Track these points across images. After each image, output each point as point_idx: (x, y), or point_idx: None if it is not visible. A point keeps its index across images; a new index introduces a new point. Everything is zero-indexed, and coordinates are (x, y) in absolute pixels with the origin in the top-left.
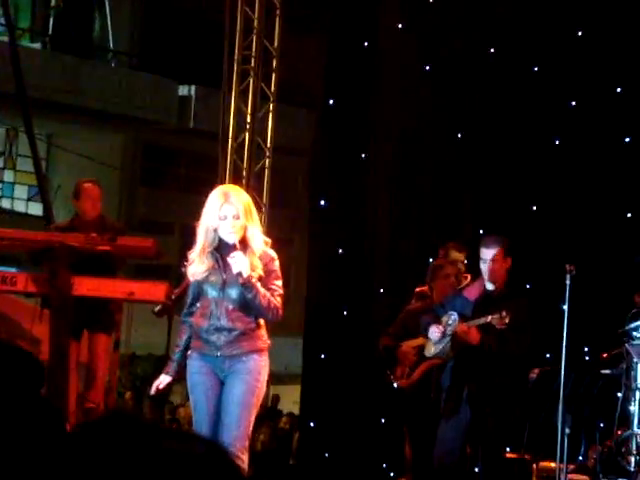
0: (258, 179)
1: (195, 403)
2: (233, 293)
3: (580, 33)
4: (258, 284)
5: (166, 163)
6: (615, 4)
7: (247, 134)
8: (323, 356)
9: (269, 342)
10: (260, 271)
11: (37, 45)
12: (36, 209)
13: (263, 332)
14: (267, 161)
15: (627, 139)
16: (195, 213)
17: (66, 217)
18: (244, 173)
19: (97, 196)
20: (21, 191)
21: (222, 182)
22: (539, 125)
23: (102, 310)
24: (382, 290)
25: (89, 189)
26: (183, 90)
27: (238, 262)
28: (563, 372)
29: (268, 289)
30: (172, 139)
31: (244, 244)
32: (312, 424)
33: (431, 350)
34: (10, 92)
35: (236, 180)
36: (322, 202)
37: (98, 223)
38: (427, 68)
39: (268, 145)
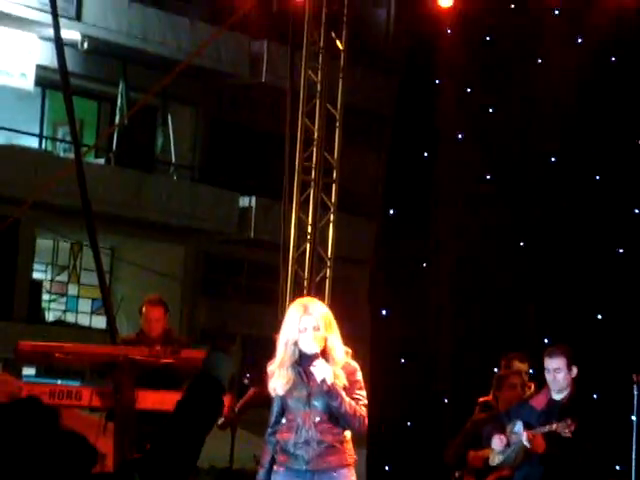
0: (319, 289)
1: None
2: (319, 405)
3: None
4: (343, 392)
5: (227, 273)
6: None
7: (308, 244)
8: (387, 468)
9: (356, 457)
10: (344, 380)
11: (101, 161)
12: (100, 322)
13: (350, 446)
14: (328, 271)
15: None
16: (257, 323)
17: (129, 329)
18: (305, 283)
19: (155, 318)
20: (85, 305)
21: (283, 292)
22: (603, 234)
23: None
24: (446, 400)
25: (148, 311)
26: (244, 201)
27: (321, 369)
28: None
29: (352, 399)
30: (233, 250)
31: (325, 355)
32: None
33: (495, 460)
34: (75, 207)
35: (297, 290)
36: (384, 312)
37: (163, 337)
38: (488, 177)
39: (329, 255)
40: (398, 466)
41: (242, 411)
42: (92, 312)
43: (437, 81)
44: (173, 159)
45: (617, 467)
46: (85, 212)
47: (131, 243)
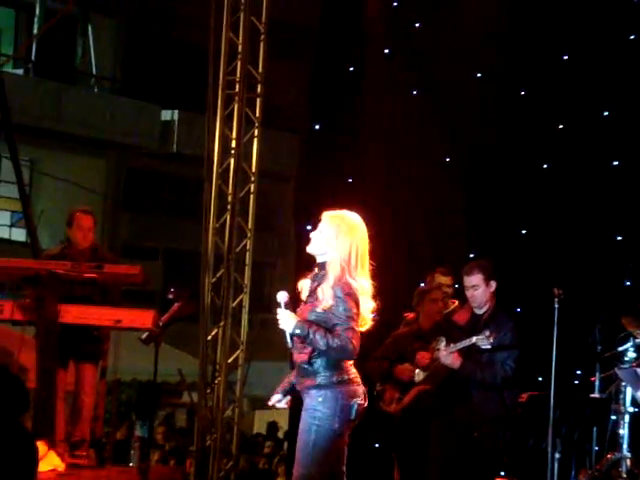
0: (243, 204)
1: None
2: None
3: (566, 57)
4: (308, 331)
5: (149, 188)
6: (600, 28)
7: (232, 159)
8: None
9: (338, 377)
10: (322, 306)
11: (20, 71)
12: (19, 235)
13: (325, 366)
14: (252, 186)
15: (615, 162)
16: (178, 238)
17: (50, 242)
18: (229, 198)
19: (88, 226)
20: (4, 217)
21: (207, 207)
22: (527, 148)
23: (89, 339)
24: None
25: (80, 219)
26: (166, 115)
27: (281, 319)
28: (552, 396)
29: (331, 326)
30: (155, 164)
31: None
32: None
33: (420, 376)
34: None
35: (221, 205)
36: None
37: (90, 252)
38: (414, 92)
39: (253, 170)
40: None
41: (166, 325)
42: (11, 225)
43: None
44: (94, 70)
45: (539, 378)
46: (5, 123)
47: (51, 156)
